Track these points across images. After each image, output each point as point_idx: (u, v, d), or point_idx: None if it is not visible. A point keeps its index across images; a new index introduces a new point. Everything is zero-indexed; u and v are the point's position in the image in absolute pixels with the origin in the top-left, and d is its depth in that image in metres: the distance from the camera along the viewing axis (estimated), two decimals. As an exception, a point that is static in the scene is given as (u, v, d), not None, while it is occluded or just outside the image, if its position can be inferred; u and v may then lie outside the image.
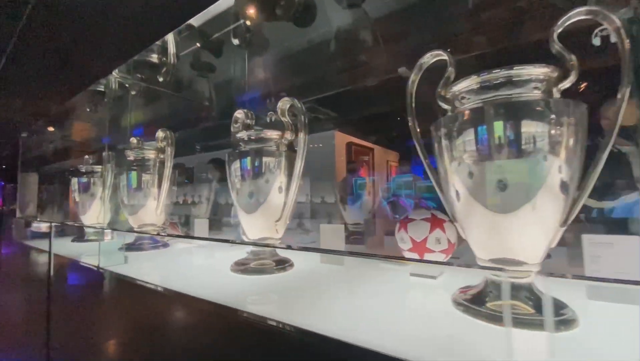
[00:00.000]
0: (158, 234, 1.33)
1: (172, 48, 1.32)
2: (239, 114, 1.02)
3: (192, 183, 2.19)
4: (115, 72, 1.20)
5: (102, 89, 1.68)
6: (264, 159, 0.87)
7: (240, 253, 1.22)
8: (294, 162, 0.89)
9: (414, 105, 0.68)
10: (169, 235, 1.19)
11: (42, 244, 1.68)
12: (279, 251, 0.95)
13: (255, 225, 0.91)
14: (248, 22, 1.53)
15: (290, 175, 0.89)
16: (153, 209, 1.30)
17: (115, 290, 0.85)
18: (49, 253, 1.05)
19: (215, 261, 1.10)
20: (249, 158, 0.88)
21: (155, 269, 0.98)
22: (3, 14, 1.53)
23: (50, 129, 2.55)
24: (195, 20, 1.53)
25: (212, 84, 2.02)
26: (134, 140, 1.43)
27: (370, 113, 1.73)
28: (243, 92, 1.96)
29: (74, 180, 1.65)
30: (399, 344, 0.46)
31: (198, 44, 1.58)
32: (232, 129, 1.04)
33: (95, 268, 0.95)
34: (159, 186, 1.30)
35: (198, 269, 0.98)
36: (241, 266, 0.90)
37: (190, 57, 1.67)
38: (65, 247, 1.51)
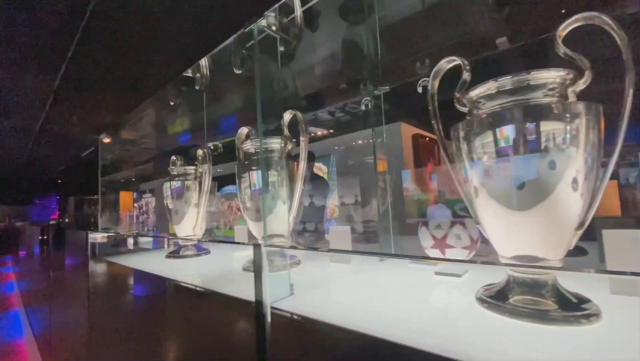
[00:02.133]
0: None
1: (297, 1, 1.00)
2: (448, 62, 0.66)
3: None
4: (265, 20, 0.87)
5: (190, 74, 1.42)
6: (543, 123, 0.51)
7: (400, 270, 0.87)
8: (593, 124, 0.52)
9: None
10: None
11: (126, 260, 1.45)
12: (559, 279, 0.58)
13: (531, 233, 0.54)
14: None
15: (588, 144, 0.52)
16: (282, 215, 0.99)
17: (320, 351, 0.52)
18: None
19: (407, 285, 0.76)
20: (513, 121, 0.52)
21: (351, 305, 0.65)
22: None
23: (126, 136, 2.40)
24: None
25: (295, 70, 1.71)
26: (244, 130, 1.14)
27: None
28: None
29: (165, 185, 1.40)
30: None
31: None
32: (429, 89, 0.69)
33: (256, 306, 0.64)
34: (291, 185, 0.99)
35: (417, 303, 0.64)
36: (504, 304, 0.54)
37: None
38: (166, 266, 1.25)
